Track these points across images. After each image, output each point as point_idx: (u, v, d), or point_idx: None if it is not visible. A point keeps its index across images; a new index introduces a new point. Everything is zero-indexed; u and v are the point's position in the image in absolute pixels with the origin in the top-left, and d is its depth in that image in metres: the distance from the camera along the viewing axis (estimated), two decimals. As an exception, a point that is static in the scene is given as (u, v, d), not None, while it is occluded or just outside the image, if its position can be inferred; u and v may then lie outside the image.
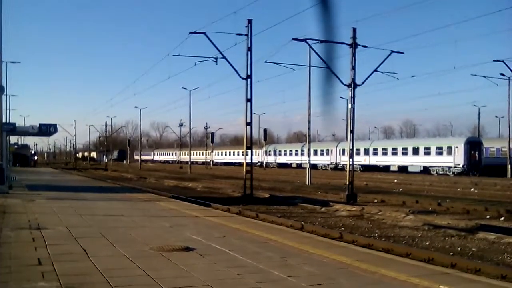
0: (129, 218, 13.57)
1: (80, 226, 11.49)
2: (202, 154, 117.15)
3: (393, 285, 6.54)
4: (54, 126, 39.60)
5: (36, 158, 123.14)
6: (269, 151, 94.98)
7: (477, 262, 10.54)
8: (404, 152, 65.23)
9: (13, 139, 72.54)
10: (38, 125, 39.24)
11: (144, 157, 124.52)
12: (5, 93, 22.59)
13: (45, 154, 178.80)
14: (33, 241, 9.30)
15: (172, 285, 6.19)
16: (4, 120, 25.11)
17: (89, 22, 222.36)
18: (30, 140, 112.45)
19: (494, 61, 46.21)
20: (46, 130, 39.22)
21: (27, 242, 9.19)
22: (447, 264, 9.82)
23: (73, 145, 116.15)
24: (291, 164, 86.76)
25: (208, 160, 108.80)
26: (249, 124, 25.56)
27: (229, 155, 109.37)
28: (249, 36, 25.00)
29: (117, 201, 18.99)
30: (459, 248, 12.70)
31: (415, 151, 63.42)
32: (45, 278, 6.41)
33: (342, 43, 25.84)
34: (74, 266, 7.18)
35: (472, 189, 33.65)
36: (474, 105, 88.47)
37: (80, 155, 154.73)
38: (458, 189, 33.77)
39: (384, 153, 68.37)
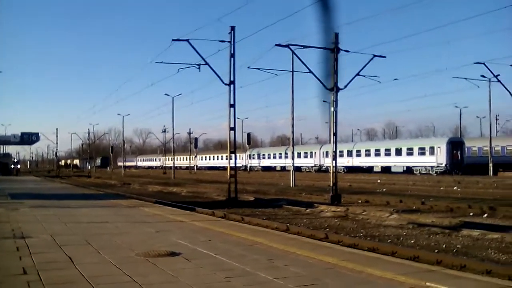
0: (114, 224, 13.47)
1: (65, 234, 11.39)
2: (186, 159, 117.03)
3: (379, 283, 6.57)
4: (36, 134, 39.42)
5: (19, 166, 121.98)
6: (253, 155, 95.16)
7: (462, 258, 10.63)
8: (387, 153, 65.74)
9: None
10: (20, 134, 39.02)
11: (127, 163, 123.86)
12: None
13: (28, 162, 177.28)
14: (17, 250, 9.18)
15: (159, 290, 6.17)
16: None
17: (70, 30, 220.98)
18: (12, 149, 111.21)
19: (475, 63, 47.06)
20: (28, 138, 39.10)
21: (11, 251, 9.08)
22: (433, 261, 9.90)
23: (56, 153, 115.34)
24: (275, 167, 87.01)
25: (192, 165, 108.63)
26: (232, 128, 25.59)
27: (213, 159, 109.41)
28: (232, 42, 25.06)
29: (101, 208, 18.85)
30: (444, 246, 12.79)
31: (398, 152, 63.97)
32: (31, 287, 6.35)
33: (325, 48, 25.94)
34: (60, 274, 7.11)
35: (455, 188, 33.99)
36: (456, 106, 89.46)
37: (63, 162, 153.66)
38: (441, 188, 34.08)
39: (367, 154, 68.84)
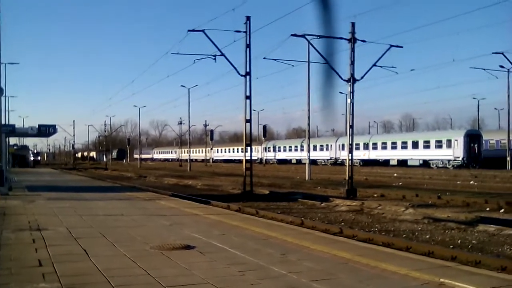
0: (129, 217, 13.57)
1: (80, 227, 11.49)
2: (202, 152, 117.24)
3: (393, 279, 6.54)
4: (53, 126, 39.72)
5: (39, 158, 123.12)
6: (269, 148, 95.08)
7: (477, 254, 10.55)
8: (404, 146, 65.29)
9: (12, 140, 72.68)
10: (37, 126, 39.35)
11: (143, 156, 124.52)
12: (4, 94, 22.56)
13: (45, 154, 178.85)
14: (33, 242, 9.28)
15: (173, 283, 6.19)
16: (3, 122, 25.09)
17: (87, 21, 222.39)
18: (29, 141, 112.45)
19: (493, 53, 46.25)
20: (46, 131, 39.35)
21: (27, 243, 9.18)
22: (447, 257, 9.84)
23: (73, 145, 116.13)
24: (290, 160, 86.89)
25: (208, 158, 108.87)
26: (248, 121, 25.55)
27: (229, 152, 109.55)
28: (248, 33, 24.96)
29: (117, 201, 18.98)
30: (459, 241, 12.71)
31: (415, 145, 63.47)
32: (46, 279, 6.40)
33: (341, 38, 25.84)
34: (75, 267, 7.17)
35: (471, 182, 33.71)
36: (474, 98, 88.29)
37: (79, 155, 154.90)
38: (458, 182, 33.83)
39: (384, 147, 68.43)
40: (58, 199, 19.22)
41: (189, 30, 25.77)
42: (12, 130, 35.46)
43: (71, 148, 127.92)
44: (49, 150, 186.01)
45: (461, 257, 9.94)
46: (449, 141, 59.19)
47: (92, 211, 15.05)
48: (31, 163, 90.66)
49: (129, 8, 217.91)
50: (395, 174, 44.88)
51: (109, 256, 7.97)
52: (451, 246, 11.93)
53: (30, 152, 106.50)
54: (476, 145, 58.51)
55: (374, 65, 27.12)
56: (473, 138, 58.92)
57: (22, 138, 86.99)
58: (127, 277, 6.54)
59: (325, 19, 3.12)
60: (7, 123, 40.58)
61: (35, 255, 8.04)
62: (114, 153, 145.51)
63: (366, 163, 68.52)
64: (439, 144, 60.42)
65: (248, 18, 25.04)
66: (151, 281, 6.31)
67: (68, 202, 17.85)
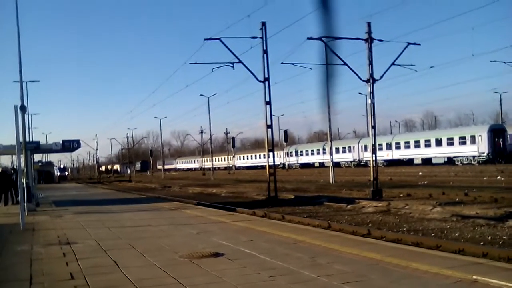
0: (157, 227, 13.64)
1: (109, 239, 11.59)
2: (224, 160, 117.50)
3: (425, 278, 6.48)
4: (77, 141, 40.20)
5: (66, 174, 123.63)
6: (291, 152, 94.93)
7: (509, 250, 10.40)
8: (427, 144, 64.67)
9: (37, 156, 73.54)
10: (61, 142, 39.87)
11: (166, 166, 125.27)
12: (27, 112, 22.93)
13: (69, 169, 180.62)
14: (63, 256, 9.38)
15: (204, 291, 6.20)
16: (27, 139, 25.45)
17: (106, 34, 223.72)
18: (53, 157, 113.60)
19: (512, 46, 45.67)
20: (70, 146, 39.86)
21: (58, 257, 9.28)
22: (479, 254, 9.74)
23: (96, 159, 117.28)
24: (313, 163, 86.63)
25: (230, 165, 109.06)
26: (269, 126, 25.56)
27: (251, 158, 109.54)
28: (264, 38, 25.02)
29: (144, 212, 19.11)
30: (489, 237, 12.56)
31: (438, 143, 62.82)
32: (79, 291, 6.48)
33: (358, 38, 25.79)
34: (106, 279, 7.23)
35: (498, 177, 33.27)
36: (495, 92, 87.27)
37: (103, 168, 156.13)
38: (484, 178, 33.44)
39: (407, 146, 67.87)
40: (85, 213, 19.40)
41: (205, 39, 25.88)
42: (37, 147, 35.99)
43: (95, 162, 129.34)
44: (73, 165, 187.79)
45: (493, 253, 9.82)
46: (473, 137, 58.43)
47: (120, 223, 15.17)
48: (56, 178, 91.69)
49: (146, 20, 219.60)
50: (420, 173, 44.50)
51: (139, 267, 8.02)
52: (482, 243, 11.78)
53: (56, 167, 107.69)
54: (500, 140, 57.68)
55: (393, 64, 26.97)
56: (497, 132, 58.09)
57: (46, 154, 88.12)
58: (159, 287, 6.58)
59: (325, 19, 3.11)
60: (31, 140, 41.22)
61: (67, 268, 8.12)
62: (138, 165, 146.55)
63: (390, 163, 68.04)
64: (463, 141, 59.71)
65: (263, 24, 25.10)
66: (182, 290, 6.33)
67: (95, 216, 18.03)
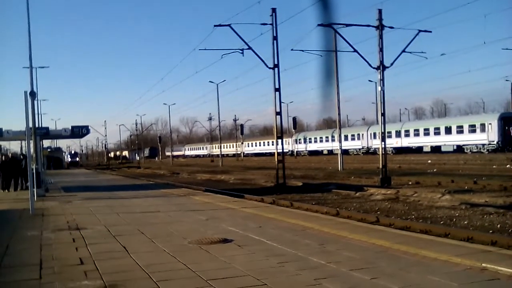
0: (166, 213, 13.69)
1: (118, 224, 11.64)
2: (233, 147, 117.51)
3: (434, 265, 6.47)
4: (86, 127, 40.25)
5: (77, 159, 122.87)
6: (299, 139, 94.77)
7: (519, 238, 10.36)
8: (437, 132, 64.35)
9: (46, 142, 73.92)
10: (70, 128, 39.96)
11: (175, 153, 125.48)
12: (36, 98, 22.95)
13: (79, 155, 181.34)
14: (73, 241, 9.44)
15: (214, 276, 6.22)
16: (36, 125, 25.53)
17: (115, 21, 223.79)
18: (62, 143, 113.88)
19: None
20: (79, 132, 39.89)
21: (67, 242, 9.34)
22: (488, 242, 9.70)
23: (105, 145, 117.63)
24: (322, 151, 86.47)
25: (239, 152, 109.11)
26: (278, 113, 25.51)
27: (259, 145, 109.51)
28: (274, 25, 24.88)
29: (153, 198, 19.18)
30: (498, 226, 12.52)
31: (448, 130, 62.49)
32: (88, 277, 6.50)
33: (368, 25, 25.63)
34: (116, 264, 7.27)
35: (508, 166, 33.11)
36: (506, 80, 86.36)
37: (112, 154, 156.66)
38: (494, 166, 33.28)
39: (416, 134, 67.57)
40: (95, 199, 19.50)
41: (215, 25, 25.77)
42: (46, 133, 36.06)
43: (104, 148, 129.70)
44: (82, 151, 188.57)
45: (502, 241, 9.78)
46: (482, 125, 58.06)
47: (129, 209, 15.24)
48: (66, 164, 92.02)
49: (157, 6, 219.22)
50: (429, 161, 44.36)
51: (149, 252, 8.05)
52: (491, 231, 11.76)
53: (66, 153, 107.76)
54: (511, 128, 57.28)
55: (404, 51, 26.77)
56: (507, 121, 57.62)
57: (55, 140, 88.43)
58: (168, 272, 6.60)
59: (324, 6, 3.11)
60: (40, 125, 41.32)
61: (76, 254, 8.17)
62: (146, 151, 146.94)
63: (399, 150, 67.81)
64: (472, 129, 59.34)
65: (273, 10, 24.94)
66: (192, 275, 6.36)
67: (104, 201, 18.11)
